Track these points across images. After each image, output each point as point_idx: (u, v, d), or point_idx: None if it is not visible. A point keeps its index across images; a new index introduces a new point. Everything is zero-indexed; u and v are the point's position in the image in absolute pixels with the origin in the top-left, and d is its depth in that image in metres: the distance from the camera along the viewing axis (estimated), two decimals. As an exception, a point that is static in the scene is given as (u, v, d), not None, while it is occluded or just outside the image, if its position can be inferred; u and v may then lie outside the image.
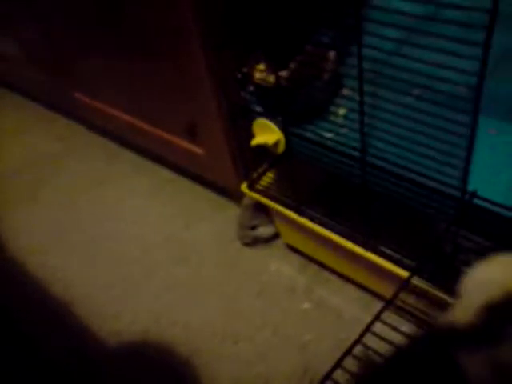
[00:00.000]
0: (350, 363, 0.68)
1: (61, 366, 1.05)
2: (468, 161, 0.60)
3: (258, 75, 0.85)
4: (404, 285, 0.76)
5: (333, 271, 1.08)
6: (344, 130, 0.78)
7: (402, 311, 0.78)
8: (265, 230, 1.17)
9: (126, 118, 1.34)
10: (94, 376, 1.04)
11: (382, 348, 0.64)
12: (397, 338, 0.67)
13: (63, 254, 1.30)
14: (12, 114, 1.92)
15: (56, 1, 1.26)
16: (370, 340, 0.69)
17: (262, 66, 0.85)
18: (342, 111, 0.83)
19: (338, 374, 0.66)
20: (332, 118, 0.82)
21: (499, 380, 0.45)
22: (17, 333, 1.11)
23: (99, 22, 1.14)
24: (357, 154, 0.74)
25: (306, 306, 1.05)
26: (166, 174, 1.47)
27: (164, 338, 1.05)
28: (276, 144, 0.87)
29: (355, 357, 0.68)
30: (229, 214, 1.29)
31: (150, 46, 1.05)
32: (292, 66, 0.82)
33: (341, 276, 1.07)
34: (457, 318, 0.49)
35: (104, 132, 1.63)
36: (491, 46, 0.48)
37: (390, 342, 0.65)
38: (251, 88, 0.90)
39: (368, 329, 0.70)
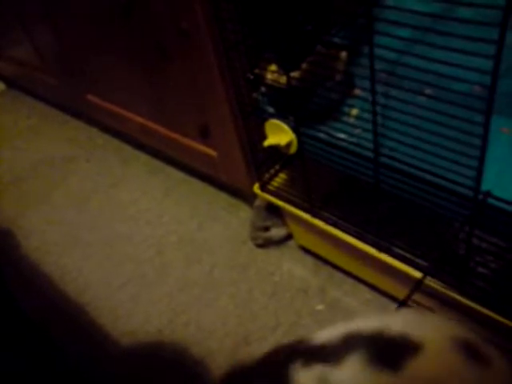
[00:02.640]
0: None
1: (74, 366, 1.06)
2: (481, 160, 0.59)
3: (269, 76, 0.85)
4: (417, 286, 0.76)
5: (346, 272, 1.08)
6: (356, 131, 0.78)
7: (415, 312, 0.77)
8: (277, 232, 1.17)
9: (139, 119, 1.35)
10: (107, 376, 1.04)
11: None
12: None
13: (77, 254, 1.31)
14: (25, 117, 1.94)
15: (69, 4, 1.27)
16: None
17: (273, 67, 0.85)
18: (354, 112, 0.82)
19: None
20: (344, 118, 0.82)
21: None
22: (30, 332, 1.12)
23: (111, 24, 1.15)
24: (369, 154, 0.73)
25: (319, 307, 1.05)
26: (179, 175, 1.48)
27: (177, 339, 1.06)
28: (288, 145, 0.87)
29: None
30: (241, 215, 1.29)
31: (162, 48, 1.05)
32: (303, 66, 0.81)
33: (354, 277, 1.07)
34: None
35: (117, 134, 1.65)
36: (505, 43, 0.48)
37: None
38: (263, 89, 0.90)
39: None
